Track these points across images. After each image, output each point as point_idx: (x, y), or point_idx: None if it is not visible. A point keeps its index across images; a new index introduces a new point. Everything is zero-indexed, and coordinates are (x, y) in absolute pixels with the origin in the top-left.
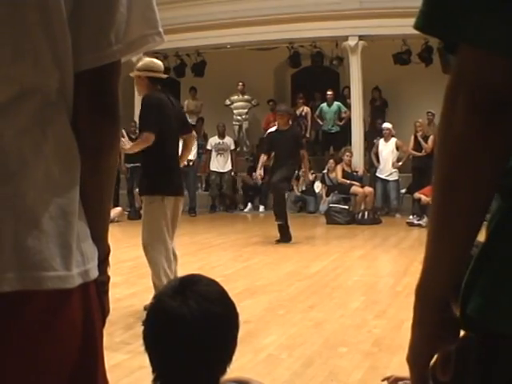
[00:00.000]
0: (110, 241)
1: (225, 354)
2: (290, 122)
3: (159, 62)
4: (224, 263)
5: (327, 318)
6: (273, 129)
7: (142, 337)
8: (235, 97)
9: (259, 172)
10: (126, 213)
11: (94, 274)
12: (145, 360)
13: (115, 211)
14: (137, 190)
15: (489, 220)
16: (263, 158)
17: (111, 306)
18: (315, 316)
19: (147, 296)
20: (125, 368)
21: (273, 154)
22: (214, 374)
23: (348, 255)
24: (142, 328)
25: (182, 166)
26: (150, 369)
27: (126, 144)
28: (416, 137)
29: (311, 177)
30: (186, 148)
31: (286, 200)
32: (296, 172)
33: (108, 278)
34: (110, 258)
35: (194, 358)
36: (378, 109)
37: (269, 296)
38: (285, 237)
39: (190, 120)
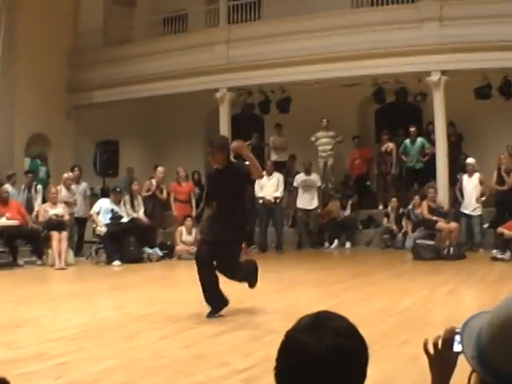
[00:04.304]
0: None
1: None
2: (232, 158)
3: None
4: (315, 300)
5: (422, 352)
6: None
7: (274, 374)
8: (320, 133)
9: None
10: None
11: None
12: None
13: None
14: None
15: None
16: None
17: (209, 341)
18: (410, 351)
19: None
20: None
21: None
22: None
23: (436, 291)
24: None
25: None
26: None
27: None
28: (499, 171)
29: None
30: None
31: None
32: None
33: None
34: None
35: None
36: (453, 144)
37: (362, 332)
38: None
39: (277, 157)
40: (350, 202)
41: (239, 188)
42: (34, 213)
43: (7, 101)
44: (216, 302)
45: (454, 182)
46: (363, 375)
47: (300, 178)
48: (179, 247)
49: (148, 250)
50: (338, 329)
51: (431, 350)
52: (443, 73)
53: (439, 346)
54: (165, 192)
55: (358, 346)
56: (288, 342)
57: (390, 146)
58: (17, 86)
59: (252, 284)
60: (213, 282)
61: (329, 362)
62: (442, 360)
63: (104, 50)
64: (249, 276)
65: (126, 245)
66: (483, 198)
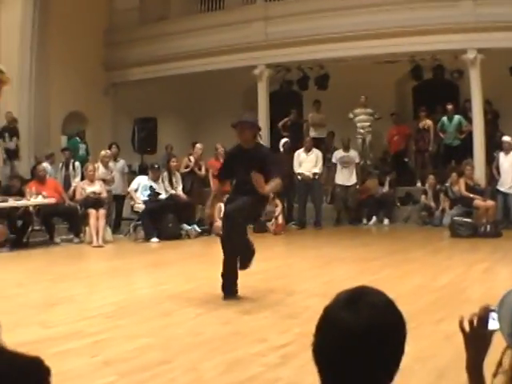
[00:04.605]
0: None
1: (395, 363)
2: (259, 139)
3: None
4: (352, 276)
5: (458, 330)
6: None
7: (312, 349)
8: (358, 110)
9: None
10: None
11: None
12: (280, 372)
13: None
14: None
15: None
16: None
17: (246, 317)
18: (446, 328)
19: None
20: (261, 381)
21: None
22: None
23: (473, 269)
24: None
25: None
26: (286, 381)
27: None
28: None
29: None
30: None
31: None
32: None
33: None
34: None
35: (368, 368)
36: (489, 122)
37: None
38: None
39: (315, 133)
40: (388, 179)
41: (261, 169)
42: (71, 189)
43: (42, 80)
44: (228, 287)
45: (491, 160)
46: (401, 351)
47: (338, 154)
48: (217, 223)
49: (186, 226)
50: (375, 304)
51: (467, 327)
52: (479, 51)
53: (474, 323)
54: (203, 168)
55: (395, 322)
56: (326, 317)
57: (428, 122)
58: (52, 64)
59: (244, 265)
60: (232, 267)
61: (366, 336)
62: (477, 338)
63: (141, 27)
64: (245, 256)
65: (164, 222)
66: None
